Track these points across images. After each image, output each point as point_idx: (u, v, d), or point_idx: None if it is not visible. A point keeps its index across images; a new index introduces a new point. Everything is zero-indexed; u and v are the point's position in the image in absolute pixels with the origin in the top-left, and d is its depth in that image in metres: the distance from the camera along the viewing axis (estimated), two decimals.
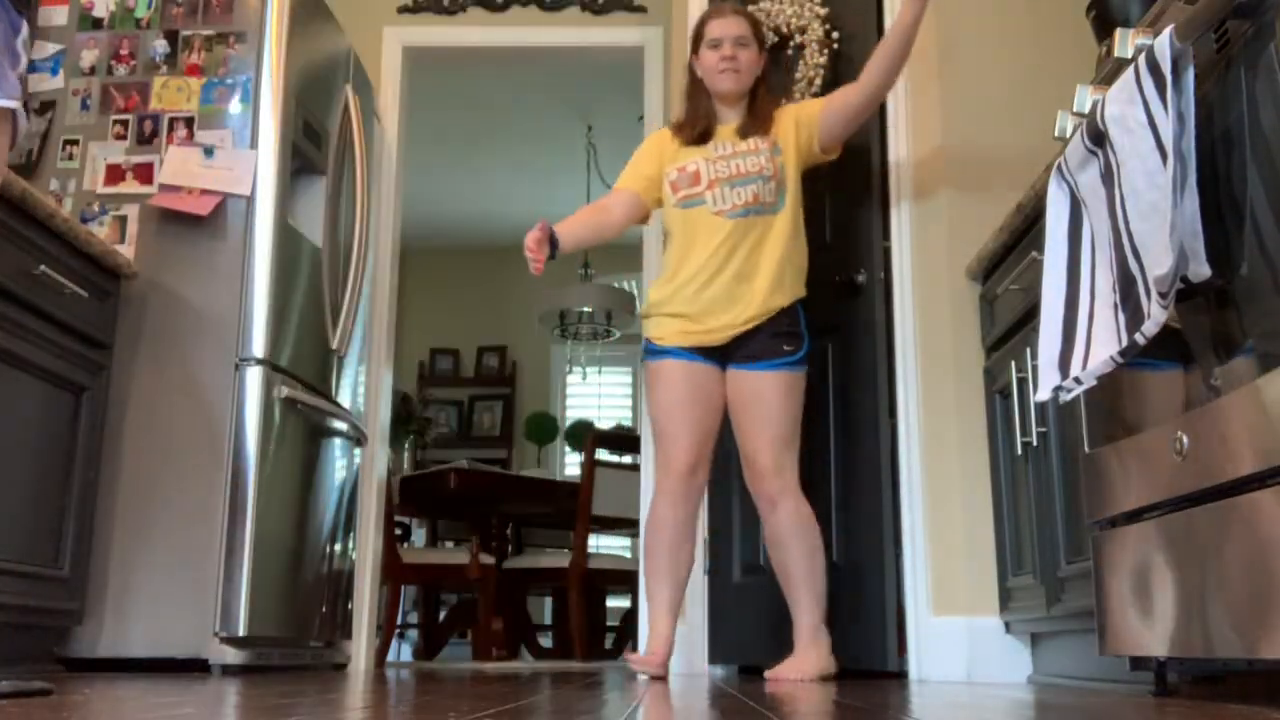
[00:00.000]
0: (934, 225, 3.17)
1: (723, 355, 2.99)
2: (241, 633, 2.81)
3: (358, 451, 3.77)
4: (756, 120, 3.05)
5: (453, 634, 5.90)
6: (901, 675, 3.03)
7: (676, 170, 3.04)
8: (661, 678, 2.85)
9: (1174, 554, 1.77)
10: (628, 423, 7.90)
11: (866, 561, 3.13)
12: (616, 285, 7.44)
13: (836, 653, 3.20)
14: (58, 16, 3.26)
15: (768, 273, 2.95)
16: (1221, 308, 1.64)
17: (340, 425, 3.52)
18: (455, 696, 1.85)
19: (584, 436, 5.52)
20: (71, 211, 3.06)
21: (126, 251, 3.02)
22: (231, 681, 2.36)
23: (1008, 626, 2.89)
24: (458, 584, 5.30)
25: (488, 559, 5.02)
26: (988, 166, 3.13)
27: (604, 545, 7.17)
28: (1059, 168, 1.98)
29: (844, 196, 3.39)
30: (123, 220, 3.06)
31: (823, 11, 3.46)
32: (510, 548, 5.83)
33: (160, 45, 3.22)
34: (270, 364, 3.01)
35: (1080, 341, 1.87)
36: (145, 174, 3.11)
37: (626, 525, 5.11)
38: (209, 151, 3.08)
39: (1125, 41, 1.82)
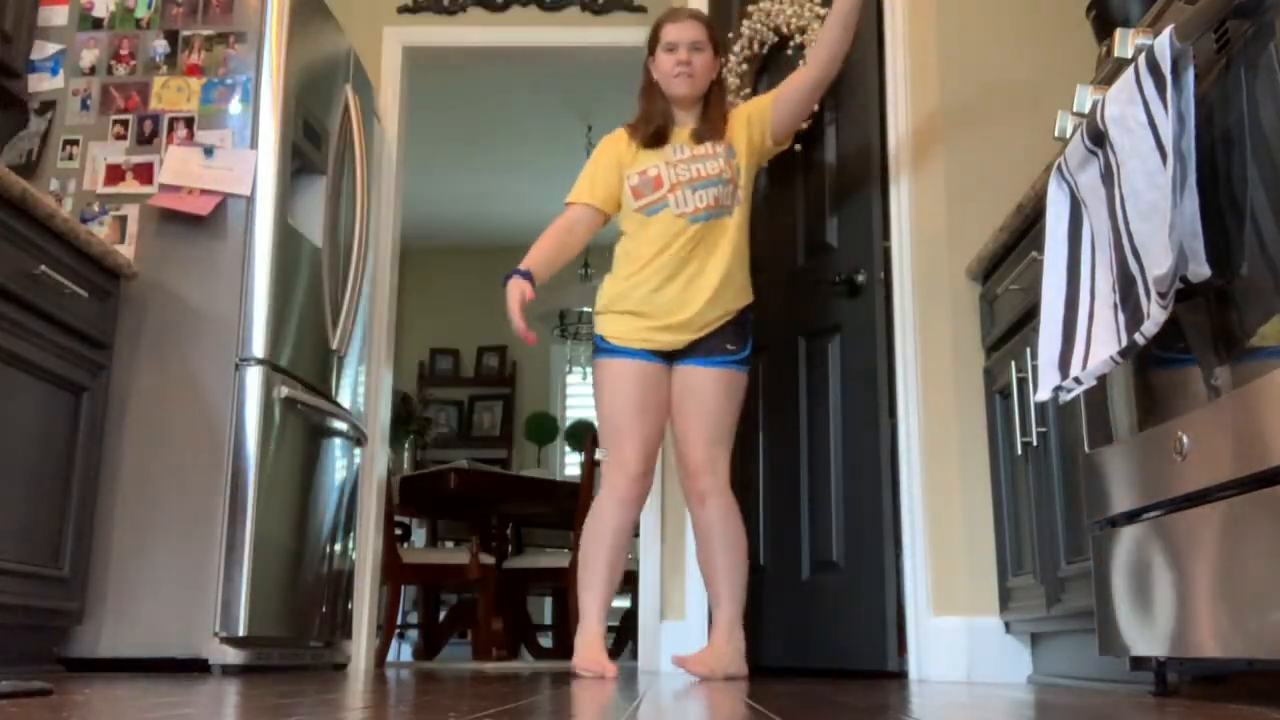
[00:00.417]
0: (934, 225, 3.17)
1: (671, 354, 3.04)
2: (241, 633, 2.80)
3: (358, 451, 3.77)
4: (710, 124, 3.09)
5: (453, 634, 5.90)
6: (901, 675, 3.03)
7: (638, 175, 3.08)
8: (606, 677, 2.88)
9: (1174, 554, 1.77)
10: None
11: (866, 561, 3.13)
12: None
13: (836, 652, 3.21)
14: (58, 16, 3.26)
15: (721, 273, 3.01)
16: (1221, 308, 1.64)
17: (340, 425, 3.52)
18: (455, 696, 1.85)
19: (584, 436, 5.52)
20: (71, 211, 3.06)
21: (126, 251, 3.02)
22: (231, 681, 2.36)
23: (1008, 626, 2.89)
24: (458, 584, 5.30)
25: (488, 559, 5.02)
26: (988, 166, 3.13)
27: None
28: (1059, 168, 1.98)
29: (844, 197, 3.39)
30: (123, 220, 3.06)
31: (822, 11, 3.46)
32: (510, 548, 5.83)
33: (160, 45, 3.21)
34: (270, 364, 3.01)
35: (1080, 341, 1.87)
36: (145, 174, 3.10)
37: None
38: (209, 151, 3.08)
39: (1125, 41, 1.83)
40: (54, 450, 2.70)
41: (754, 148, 3.11)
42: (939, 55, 3.24)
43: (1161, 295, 1.61)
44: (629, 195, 3.07)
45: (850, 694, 2.05)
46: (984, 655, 2.88)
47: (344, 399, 3.59)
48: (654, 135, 3.08)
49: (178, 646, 2.80)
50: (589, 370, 7.93)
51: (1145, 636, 1.86)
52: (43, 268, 2.57)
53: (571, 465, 8.03)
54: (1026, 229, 2.61)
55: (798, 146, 3.50)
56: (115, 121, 3.16)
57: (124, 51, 3.22)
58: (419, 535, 6.47)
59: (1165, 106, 1.59)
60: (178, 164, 3.07)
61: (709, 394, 2.99)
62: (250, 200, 3.06)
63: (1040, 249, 2.23)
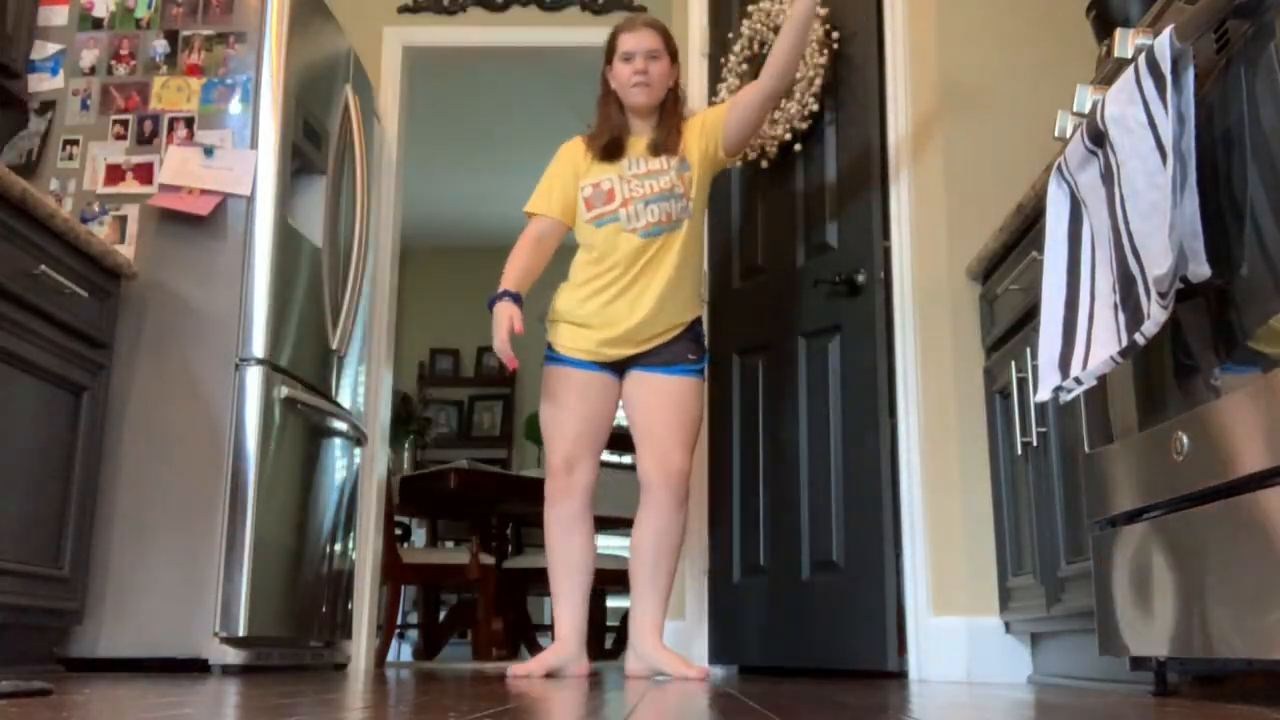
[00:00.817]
0: (934, 225, 3.17)
1: (620, 364, 3.09)
2: (241, 633, 2.80)
3: (358, 451, 3.77)
4: (666, 136, 3.12)
5: (453, 634, 5.90)
6: (901, 675, 3.03)
7: (591, 187, 3.10)
8: (592, 674, 2.90)
9: (1174, 554, 1.77)
10: (626, 423, 7.90)
11: (866, 561, 3.13)
12: None
13: (836, 652, 3.22)
14: (58, 16, 3.26)
15: (665, 286, 3.04)
16: (1221, 308, 1.64)
17: (340, 425, 3.52)
18: (455, 696, 1.85)
19: None
20: (71, 211, 3.06)
21: (126, 251, 3.02)
22: (231, 681, 2.36)
23: (1008, 626, 2.89)
24: (458, 584, 5.30)
25: (488, 559, 5.02)
26: (988, 166, 3.13)
27: (604, 545, 7.15)
28: (1059, 168, 1.98)
29: (844, 197, 3.39)
30: (123, 220, 3.06)
31: (823, 11, 3.46)
32: (510, 548, 5.82)
33: (160, 45, 3.21)
34: (270, 364, 3.01)
35: (1080, 341, 1.87)
36: (145, 174, 3.10)
37: (626, 525, 5.09)
38: (209, 151, 3.08)
39: (1125, 41, 1.83)
40: (54, 450, 2.70)
41: (707, 159, 3.12)
42: (939, 55, 3.24)
43: (1161, 295, 1.61)
44: (582, 206, 3.11)
45: (850, 694, 2.05)
46: (984, 655, 2.88)
47: (344, 399, 3.59)
48: (609, 146, 3.11)
49: (178, 646, 2.80)
50: None
51: (1145, 636, 1.86)
52: (43, 268, 2.57)
53: None
54: (1026, 229, 2.61)
55: (798, 146, 3.51)
56: (115, 121, 3.16)
57: (124, 51, 3.22)
58: (419, 535, 6.47)
59: (1165, 106, 1.59)
60: (178, 164, 3.07)
61: (683, 401, 3.05)
62: (250, 200, 3.06)
63: (1040, 249, 2.23)
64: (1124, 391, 1.99)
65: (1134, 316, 1.71)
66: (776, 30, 3.61)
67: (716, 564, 3.57)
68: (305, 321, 3.27)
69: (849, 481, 3.22)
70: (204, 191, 3.04)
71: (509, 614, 5.33)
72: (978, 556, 2.95)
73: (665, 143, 3.10)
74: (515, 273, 3.07)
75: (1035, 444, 2.56)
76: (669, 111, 3.14)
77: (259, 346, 2.99)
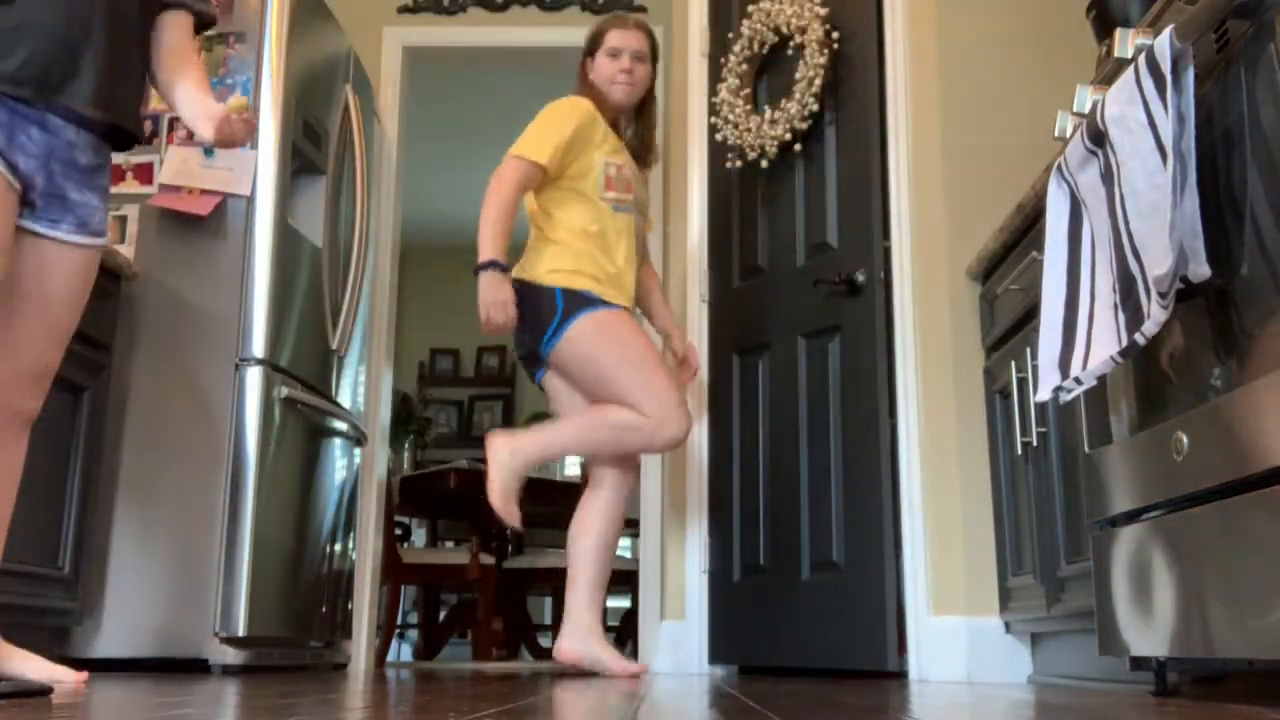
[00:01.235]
0: (934, 225, 3.17)
1: None
2: (241, 633, 2.80)
3: (358, 451, 3.77)
4: (647, 151, 3.25)
5: (453, 634, 5.90)
6: (901, 675, 3.03)
7: (615, 167, 3.12)
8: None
9: (1174, 554, 1.77)
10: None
11: (866, 561, 3.13)
12: None
13: (836, 652, 3.22)
14: None
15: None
16: (1221, 308, 1.64)
17: (340, 425, 3.52)
18: (455, 696, 1.85)
19: None
20: None
21: (126, 251, 3.02)
22: (231, 681, 2.36)
23: (1008, 626, 2.89)
24: (458, 584, 5.30)
25: (488, 559, 5.02)
26: (988, 166, 3.13)
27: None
28: (1059, 168, 1.98)
29: (844, 197, 3.39)
30: (123, 220, 3.06)
31: (823, 11, 3.46)
32: (510, 548, 5.82)
33: None
34: (270, 364, 3.01)
35: (1080, 341, 1.87)
36: (145, 174, 3.10)
37: (627, 525, 5.09)
38: (209, 151, 3.08)
39: (1125, 41, 1.83)
40: (54, 450, 2.70)
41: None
42: (939, 55, 3.24)
43: (1162, 295, 1.61)
44: (601, 181, 3.09)
45: (850, 694, 2.05)
46: (984, 655, 2.88)
47: (344, 399, 3.59)
48: (614, 130, 3.16)
49: (178, 646, 2.80)
50: None
51: (1145, 636, 1.86)
52: None
53: (571, 465, 8.03)
54: (1026, 229, 2.61)
55: (798, 146, 3.51)
56: None
57: None
58: (419, 535, 6.47)
59: (1165, 106, 1.59)
60: (178, 164, 3.07)
61: None
62: (250, 200, 3.06)
63: (1040, 249, 2.23)
64: (1124, 391, 1.99)
65: (1134, 316, 1.71)
66: (776, 30, 3.61)
67: (716, 564, 3.57)
68: (305, 321, 3.27)
69: (849, 481, 3.22)
70: (204, 191, 3.04)
71: (509, 614, 5.33)
72: (978, 556, 2.94)
73: (645, 157, 3.22)
74: (501, 237, 2.95)
75: (1035, 444, 2.56)
76: (646, 118, 3.22)
77: (259, 346, 2.99)
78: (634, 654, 4.34)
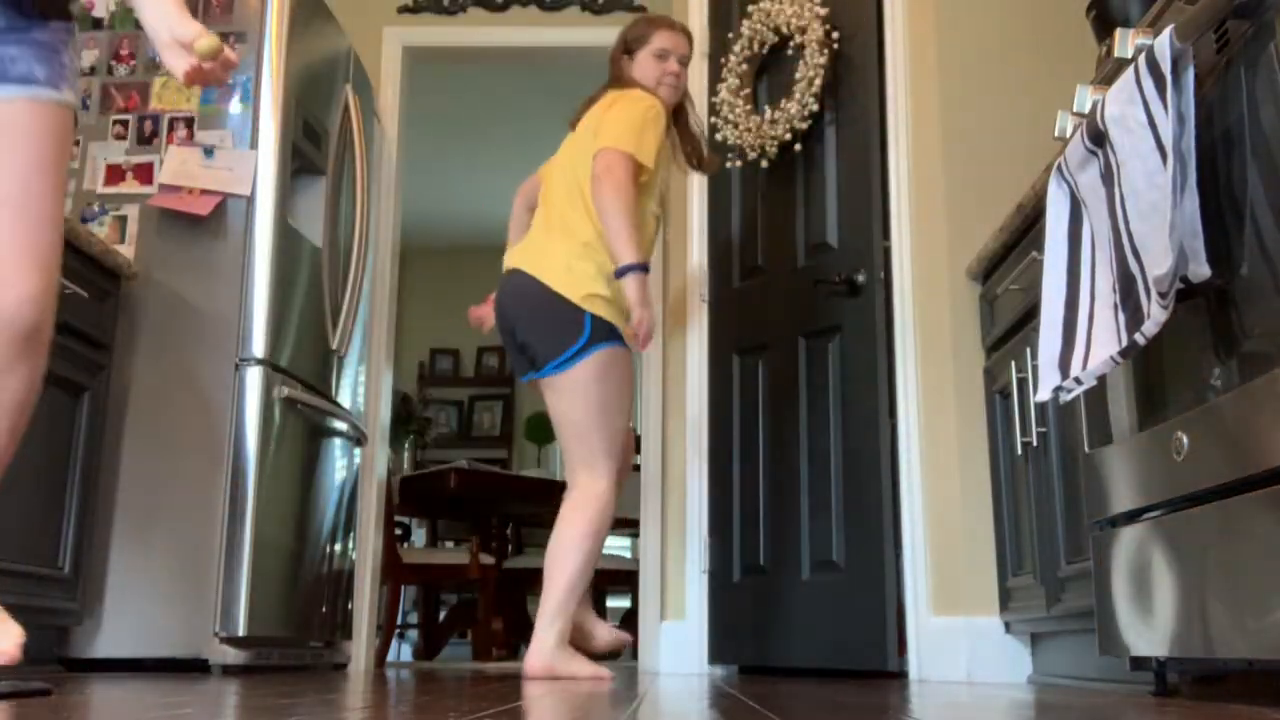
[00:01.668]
0: (934, 225, 3.17)
1: None
2: (241, 633, 2.80)
3: (358, 451, 3.77)
4: (700, 153, 3.25)
5: (453, 634, 5.90)
6: (901, 675, 3.03)
7: (665, 182, 3.13)
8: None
9: (1174, 554, 1.77)
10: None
11: (866, 561, 3.13)
12: None
13: (836, 652, 3.21)
14: None
15: None
16: (1221, 308, 1.64)
17: (340, 425, 3.52)
18: (455, 696, 1.85)
19: None
20: (72, 211, 3.06)
21: (126, 251, 3.02)
22: (231, 681, 2.36)
23: (1008, 626, 2.89)
24: (458, 584, 5.30)
25: (488, 559, 5.02)
26: (988, 166, 3.13)
27: (604, 545, 7.15)
28: (1059, 168, 1.98)
29: (844, 197, 3.39)
30: (123, 220, 3.07)
31: (823, 11, 3.46)
32: (510, 548, 5.82)
33: None
34: (270, 364, 3.01)
35: (1080, 341, 1.87)
36: (145, 174, 3.11)
37: (627, 525, 5.10)
38: (209, 151, 3.08)
39: (1125, 41, 1.83)
40: (54, 450, 2.70)
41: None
42: (939, 55, 3.24)
43: (1162, 295, 1.61)
44: (657, 194, 3.05)
45: (850, 694, 2.05)
46: (984, 655, 2.88)
47: (344, 399, 3.59)
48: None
49: (178, 646, 2.80)
50: None
51: (1145, 636, 1.86)
52: None
53: None
54: (1026, 229, 2.61)
55: (798, 146, 3.51)
56: (115, 121, 3.16)
57: (124, 51, 3.22)
58: (419, 535, 6.47)
59: (1165, 106, 1.59)
60: (178, 164, 3.07)
61: None
62: (250, 200, 3.06)
63: (1040, 249, 2.23)
64: (1124, 391, 1.99)
65: (1134, 316, 1.71)
66: (776, 30, 3.61)
67: (716, 564, 3.57)
68: (305, 321, 3.27)
69: (849, 481, 3.22)
70: (204, 191, 3.04)
71: (509, 614, 5.33)
72: (978, 556, 2.94)
73: (699, 160, 3.24)
74: (637, 237, 2.85)
75: (1035, 444, 2.56)
76: (688, 123, 3.23)
77: (259, 346, 2.99)
78: (634, 654, 4.34)
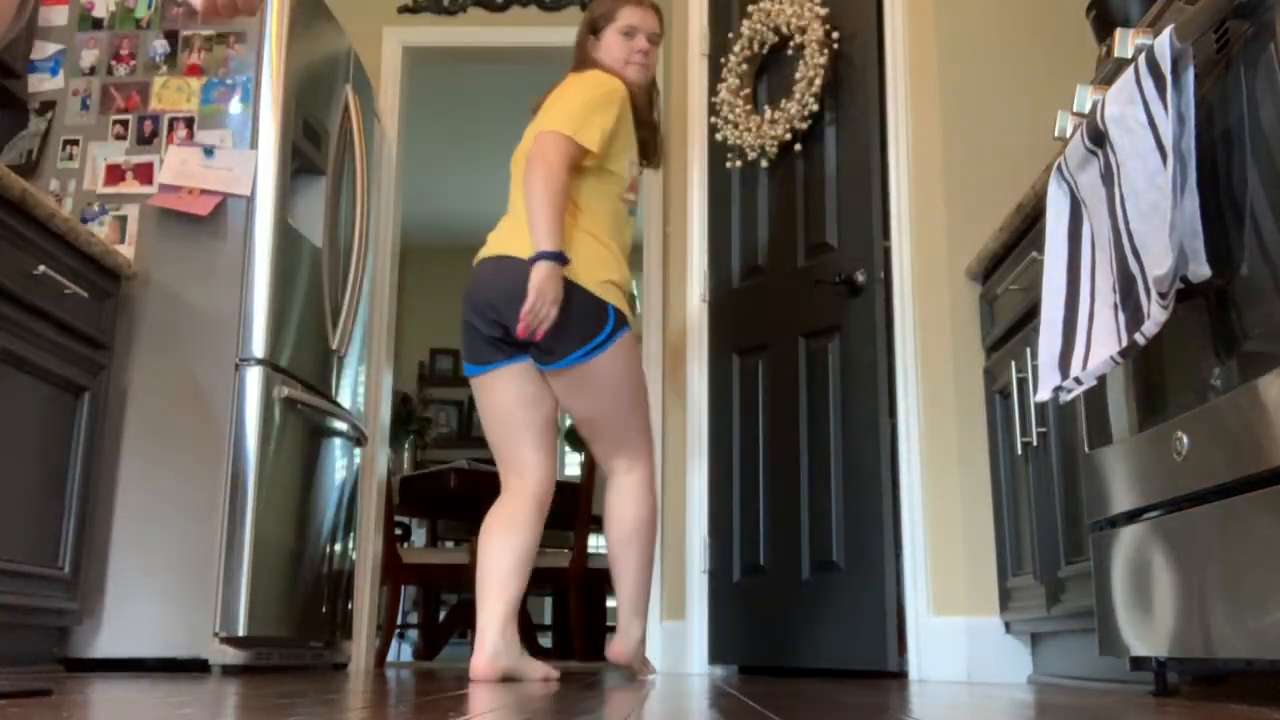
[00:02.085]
0: (934, 225, 3.17)
1: None
2: (241, 633, 2.81)
3: (358, 451, 3.77)
4: (655, 144, 3.06)
5: (453, 634, 5.90)
6: (901, 675, 3.03)
7: (637, 167, 2.98)
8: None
9: (1174, 554, 1.77)
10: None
11: (866, 561, 3.13)
12: None
13: (836, 652, 3.21)
14: (58, 16, 3.26)
15: None
16: (1221, 308, 1.64)
17: (340, 425, 3.52)
18: (455, 696, 1.85)
19: None
20: (71, 212, 3.06)
21: (126, 251, 3.03)
22: (231, 681, 2.36)
23: (1008, 626, 2.89)
24: (458, 584, 5.30)
25: None
26: (988, 166, 3.13)
27: (604, 545, 7.15)
28: (1059, 168, 1.98)
29: (844, 197, 3.39)
30: (123, 220, 3.06)
31: (823, 11, 3.46)
32: None
33: (160, 45, 3.22)
34: (270, 364, 3.01)
35: (1080, 341, 1.87)
36: (145, 174, 3.11)
37: None
38: (209, 151, 3.08)
39: (1125, 41, 1.83)
40: (54, 450, 2.70)
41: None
42: (939, 55, 3.24)
43: (1162, 295, 1.61)
44: (625, 179, 2.91)
45: (850, 694, 2.05)
46: (984, 655, 2.88)
47: (344, 399, 3.59)
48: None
49: (178, 646, 2.80)
50: None
51: (1145, 636, 1.86)
52: (43, 268, 2.57)
53: (571, 465, 8.03)
54: (1026, 229, 2.61)
55: (798, 146, 3.51)
56: (115, 121, 3.16)
57: (124, 51, 3.22)
58: (419, 535, 6.47)
59: (1165, 106, 1.59)
60: (178, 164, 3.07)
61: None
62: (250, 200, 3.06)
63: (1040, 249, 2.23)
64: (1124, 391, 1.99)
65: (1134, 316, 1.71)
66: (776, 30, 3.61)
67: (716, 564, 3.57)
68: (305, 321, 3.27)
69: (849, 481, 3.22)
70: (204, 191, 3.04)
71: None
72: (978, 556, 2.95)
73: (653, 151, 3.06)
74: (561, 225, 2.68)
75: (1035, 444, 2.56)
76: (647, 106, 3.02)
77: (259, 346, 2.99)
78: None
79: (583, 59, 3.00)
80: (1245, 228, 1.56)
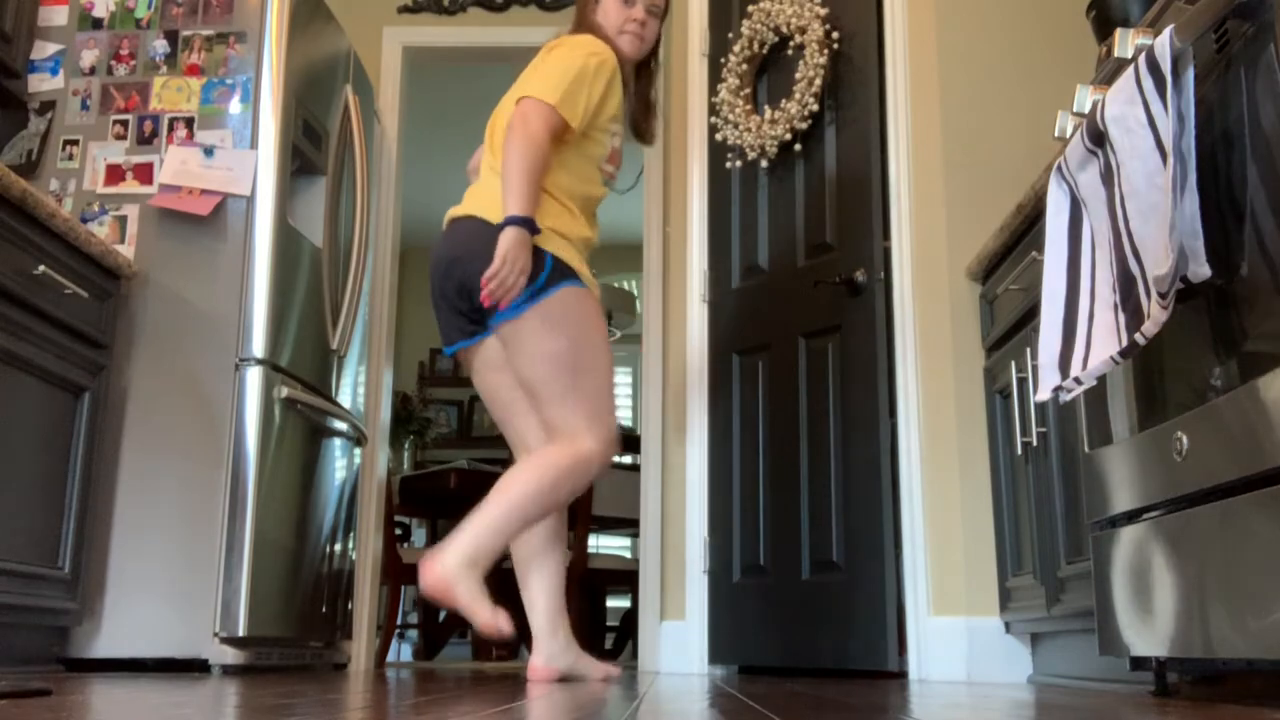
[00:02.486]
0: (934, 225, 3.17)
1: None
2: (241, 633, 2.81)
3: (358, 451, 3.77)
4: (649, 120, 2.93)
5: (453, 634, 5.90)
6: (901, 675, 3.03)
7: (619, 139, 2.84)
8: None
9: (1174, 554, 1.77)
10: (628, 423, 7.90)
11: (866, 561, 3.13)
12: (616, 285, 7.45)
13: (836, 652, 3.21)
14: (58, 16, 3.26)
15: None
16: (1221, 308, 1.64)
17: (340, 425, 3.52)
18: (455, 696, 1.85)
19: None
20: (71, 211, 3.06)
21: (126, 251, 3.02)
22: (231, 681, 2.36)
23: (1008, 626, 2.89)
24: None
25: None
26: (988, 166, 3.13)
27: (604, 545, 7.16)
28: (1059, 168, 1.98)
29: (844, 196, 3.39)
30: (123, 220, 3.06)
31: (823, 11, 3.46)
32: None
33: (160, 45, 3.22)
34: (270, 364, 3.01)
35: (1080, 341, 1.87)
36: (145, 174, 3.10)
37: (627, 525, 5.10)
38: (209, 151, 3.08)
39: (1125, 41, 1.83)
40: (54, 450, 2.70)
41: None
42: (939, 55, 3.24)
43: (1162, 295, 1.61)
44: (606, 148, 2.78)
45: (850, 694, 2.05)
46: (984, 655, 2.88)
47: (344, 399, 3.59)
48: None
49: (178, 646, 2.80)
50: None
51: (1145, 636, 1.86)
52: (43, 268, 2.57)
53: None
54: (1026, 229, 2.61)
55: (798, 146, 3.51)
56: (115, 121, 3.16)
57: (124, 51, 3.22)
58: (419, 535, 6.47)
59: (1165, 106, 1.59)
60: (178, 164, 3.07)
61: None
62: (250, 200, 3.06)
63: (1040, 249, 2.23)
64: (1124, 391, 1.99)
65: (1134, 317, 1.71)
66: (776, 30, 3.61)
67: (716, 564, 3.57)
68: (305, 321, 3.27)
69: (849, 481, 3.22)
70: (204, 191, 3.04)
71: (509, 614, 5.32)
72: (978, 556, 2.95)
73: (647, 128, 2.92)
74: (536, 192, 2.53)
75: (1035, 444, 2.56)
76: (648, 80, 2.91)
77: (259, 346, 2.99)
78: (634, 654, 4.34)
79: (581, 20, 2.86)
80: (1245, 228, 1.56)
